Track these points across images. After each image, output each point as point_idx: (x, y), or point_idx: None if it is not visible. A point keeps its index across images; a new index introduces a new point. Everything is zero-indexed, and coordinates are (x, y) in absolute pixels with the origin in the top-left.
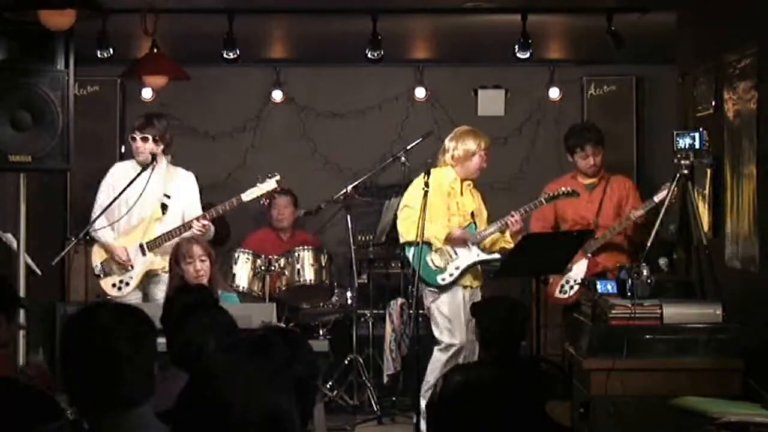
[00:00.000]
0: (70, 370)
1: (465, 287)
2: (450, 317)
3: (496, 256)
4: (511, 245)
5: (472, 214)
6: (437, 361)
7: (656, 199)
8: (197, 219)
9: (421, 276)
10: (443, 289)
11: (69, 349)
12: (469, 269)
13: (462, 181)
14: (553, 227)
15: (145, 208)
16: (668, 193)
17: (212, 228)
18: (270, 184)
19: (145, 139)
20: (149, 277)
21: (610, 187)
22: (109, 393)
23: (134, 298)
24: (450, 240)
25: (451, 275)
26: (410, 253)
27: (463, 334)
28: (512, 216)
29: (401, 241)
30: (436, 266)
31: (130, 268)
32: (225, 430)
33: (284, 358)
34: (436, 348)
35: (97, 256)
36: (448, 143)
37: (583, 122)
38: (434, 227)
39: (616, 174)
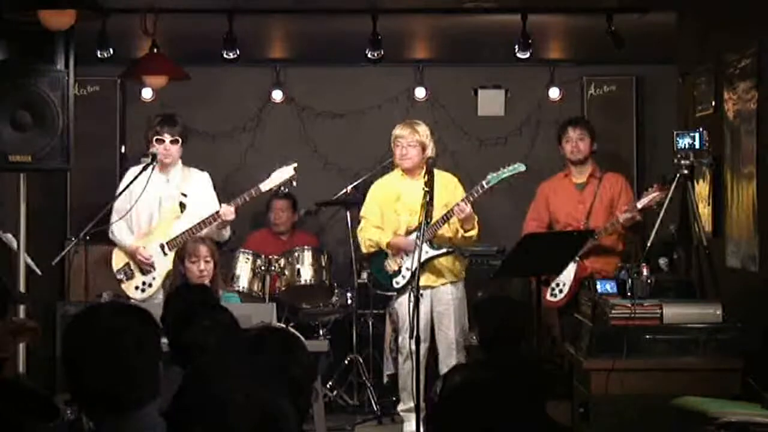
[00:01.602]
0: (73, 371)
1: (424, 288)
2: (402, 320)
3: (444, 250)
4: (466, 235)
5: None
6: (399, 366)
7: (639, 205)
8: (224, 207)
9: (380, 282)
10: (401, 291)
11: (73, 349)
12: (423, 268)
13: (409, 174)
14: (547, 227)
15: (163, 209)
16: (667, 194)
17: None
18: (287, 171)
19: (175, 142)
20: (171, 275)
21: (602, 186)
22: (113, 394)
23: (159, 298)
24: (393, 248)
25: (404, 277)
26: (372, 258)
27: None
28: (457, 205)
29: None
30: (393, 271)
31: (152, 269)
32: (221, 430)
33: (278, 358)
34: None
35: (117, 261)
36: None
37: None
38: (380, 234)
39: (609, 172)
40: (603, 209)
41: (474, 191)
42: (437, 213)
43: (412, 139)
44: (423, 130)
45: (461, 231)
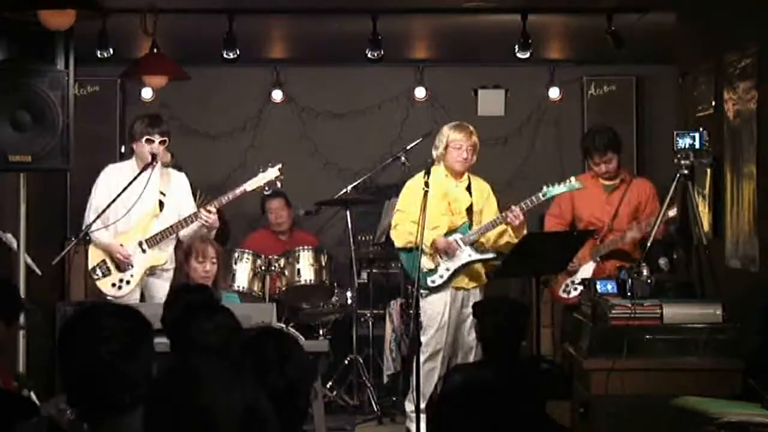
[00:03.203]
0: (68, 372)
1: (458, 289)
2: (430, 318)
3: (490, 255)
4: (515, 240)
5: (470, 211)
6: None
7: (671, 213)
8: (204, 208)
9: (411, 278)
10: (433, 290)
11: (67, 351)
12: (462, 270)
13: (456, 176)
14: (569, 225)
15: (143, 207)
16: (669, 202)
17: (217, 221)
18: (272, 173)
19: (164, 142)
20: (149, 273)
21: (630, 191)
22: (107, 395)
23: (135, 296)
24: (434, 247)
25: (441, 277)
26: (403, 257)
27: (440, 338)
28: (512, 211)
29: (395, 245)
30: (428, 268)
31: (129, 266)
32: (197, 426)
33: (274, 360)
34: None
35: (93, 258)
36: (435, 139)
37: (598, 127)
38: (427, 236)
39: (639, 178)
40: (629, 213)
41: (528, 201)
42: (474, 218)
43: (469, 143)
44: (475, 133)
45: (511, 237)
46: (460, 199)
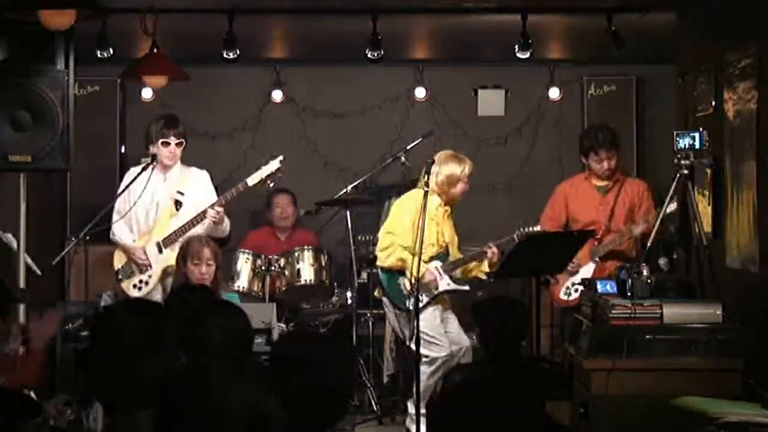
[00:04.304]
0: (95, 368)
1: (435, 307)
2: (431, 333)
3: (465, 288)
4: (483, 275)
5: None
6: (423, 373)
7: (668, 210)
8: (211, 206)
9: (391, 298)
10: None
11: (95, 346)
12: (438, 296)
13: (445, 205)
14: (563, 227)
15: (159, 208)
16: (669, 200)
17: (227, 219)
18: (273, 165)
19: (180, 144)
20: (167, 273)
21: (624, 191)
22: (133, 390)
23: (156, 296)
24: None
25: (420, 302)
26: (383, 276)
27: (446, 345)
28: (490, 248)
29: (378, 262)
30: (408, 291)
31: (149, 267)
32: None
33: (299, 364)
34: (423, 363)
35: (118, 260)
36: (432, 169)
37: (598, 124)
38: (412, 261)
39: (630, 177)
40: (624, 213)
41: (504, 241)
42: (440, 248)
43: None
44: None
45: (480, 272)
46: (446, 230)
